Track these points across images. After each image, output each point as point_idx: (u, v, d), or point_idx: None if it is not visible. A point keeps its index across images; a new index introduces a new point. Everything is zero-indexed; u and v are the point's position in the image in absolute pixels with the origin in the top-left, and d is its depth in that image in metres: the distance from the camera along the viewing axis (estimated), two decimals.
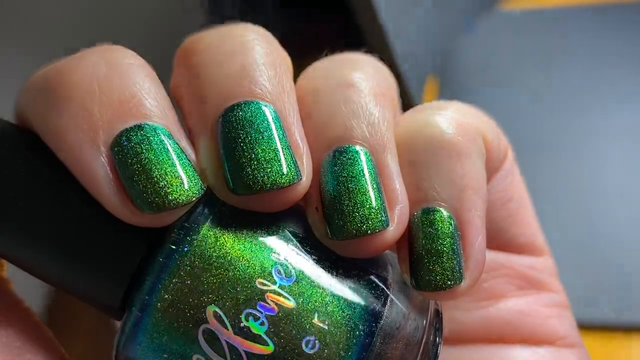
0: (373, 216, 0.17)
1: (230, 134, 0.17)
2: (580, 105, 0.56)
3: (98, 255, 0.17)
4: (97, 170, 0.16)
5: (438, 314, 0.19)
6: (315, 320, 0.17)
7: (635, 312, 0.44)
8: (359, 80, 0.19)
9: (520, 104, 0.57)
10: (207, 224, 0.17)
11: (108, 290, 0.17)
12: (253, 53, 0.18)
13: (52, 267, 0.17)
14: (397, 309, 0.18)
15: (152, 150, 0.16)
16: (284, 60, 0.19)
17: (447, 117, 0.19)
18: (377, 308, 0.17)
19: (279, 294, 0.17)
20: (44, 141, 0.17)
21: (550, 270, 0.23)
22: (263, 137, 0.17)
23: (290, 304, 0.17)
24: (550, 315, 0.22)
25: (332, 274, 0.17)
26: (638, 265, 0.46)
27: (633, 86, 0.55)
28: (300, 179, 0.17)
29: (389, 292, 0.18)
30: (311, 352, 0.16)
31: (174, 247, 0.17)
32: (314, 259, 0.17)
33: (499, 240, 0.22)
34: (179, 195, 0.16)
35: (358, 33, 0.54)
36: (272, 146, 0.17)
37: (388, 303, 0.18)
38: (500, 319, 0.22)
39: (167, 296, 0.16)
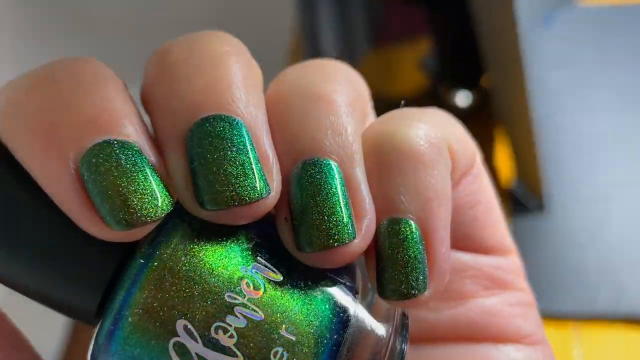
0: (340, 229, 0.18)
1: (198, 149, 0.17)
2: None
3: (71, 266, 0.17)
4: (65, 187, 0.16)
5: (404, 318, 0.19)
6: (283, 332, 0.17)
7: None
8: (329, 92, 0.19)
9: (600, 100, 0.56)
10: (176, 238, 0.17)
11: (82, 301, 0.18)
12: (222, 67, 0.18)
13: (26, 278, 0.18)
14: (363, 317, 0.18)
15: (120, 167, 0.17)
16: (254, 72, 0.19)
17: (414, 128, 0.19)
18: (344, 317, 0.18)
19: (247, 307, 0.17)
20: (16, 156, 0.17)
21: (517, 270, 0.24)
22: (232, 152, 0.17)
23: (258, 316, 0.17)
24: (516, 314, 0.23)
25: (300, 284, 0.18)
26: None
27: None
28: (270, 193, 0.17)
29: (356, 301, 0.18)
30: None
31: (143, 261, 0.17)
32: (281, 271, 0.18)
33: (466, 242, 0.23)
34: (148, 212, 0.17)
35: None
36: (241, 161, 0.17)
37: (355, 312, 0.18)
38: (468, 318, 0.23)
39: (137, 310, 0.17)
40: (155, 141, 0.18)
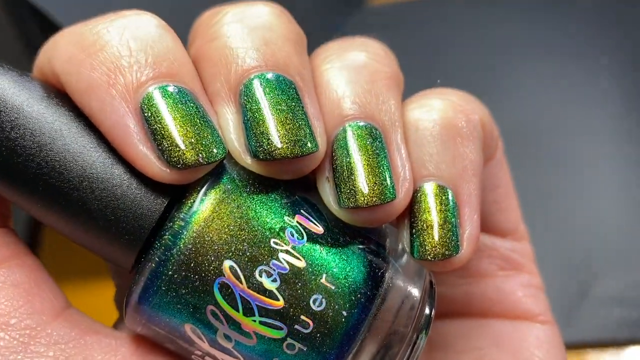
0: (383, 188, 0.18)
1: (252, 103, 0.18)
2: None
3: (119, 208, 0.18)
4: (126, 125, 0.17)
5: (432, 285, 0.20)
6: (323, 281, 0.18)
7: None
8: (372, 61, 0.20)
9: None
10: (225, 185, 0.18)
11: (126, 243, 0.18)
12: (276, 28, 0.19)
13: (71, 218, 0.18)
14: (397, 276, 0.19)
15: (180, 110, 0.17)
16: (302, 38, 0.20)
17: (452, 102, 0.20)
18: (379, 273, 0.19)
19: (291, 254, 0.18)
20: (72, 95, 0.18)
21: (529, 255, 0.25)
22: (284, 107, 0.18)
23: (301, 263, 0.18)
24: (528, 294, 0.24)
25: (339, 239, 0.19)
26: None
27: (519, 78, 0.53)
28: (318, 148, 0.18)
29: (389, 261, 0.19)
30: (318, 309, 0.18)
31: (193, 205, 0.18)
32: (323, 225, 0.19)
33: (485, 223, 0.24)
34: (205, 155, 0.17)
35: None
36: (293, 117, 0.18)
37: (389, 270, 0.19)
38: (483, 295, 0.24)
39: (185, 251, 0.17)
40: (207, 95, 0.19)
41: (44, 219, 0.19)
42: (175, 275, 0.17)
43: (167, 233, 0.18)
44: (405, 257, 0.20)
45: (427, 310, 0.19)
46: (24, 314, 0.18)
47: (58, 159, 0.18)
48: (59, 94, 0.19)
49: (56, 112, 0.18)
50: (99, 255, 0.19)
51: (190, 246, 0.17)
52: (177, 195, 0.18)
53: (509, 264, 0.24)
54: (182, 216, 0.18)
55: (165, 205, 0.18)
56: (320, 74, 0.20)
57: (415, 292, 0.19)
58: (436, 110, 0.20)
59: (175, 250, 0.17)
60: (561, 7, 0.57)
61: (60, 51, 0.18)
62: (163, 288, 0.18)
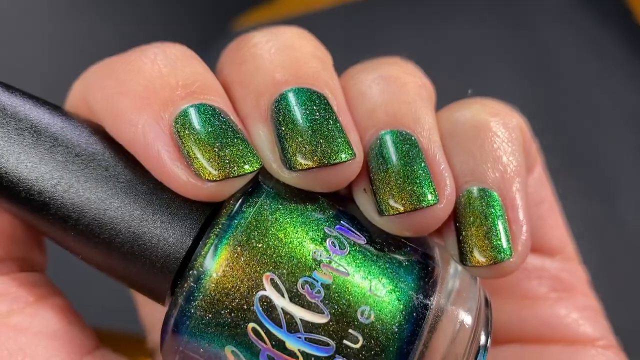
0: (424, 191, 0.18)
1: (286, 117, 0.18)
2: None
3: (152, 235, 0.17)
4: (159, 145, 0.17)
5: (488, 311, 0.19)
6: (370, 291, 0.17)
7: None
8: (402, 74, 0.20)
9: None
10: (261, 198, 0.17)
11: (160, 270, 0.17)
12: (303, 48, 0.19)
13: (106, 249, 0.18)
14: (447, 287, 0.18)
15: (214, 125, 0.17)
16: (328, 56, 0.20)
17: (488, 107, 0.20)
18: (429, 286, 0.17)
19: (334, 265, 0.17)
20: (104, 122, 0.18)
21: (582, 276, 0.24)
22: (318, 118, 0.18)
23: (344, 274, 0.17)
24: (586, 317, 0.22)
25: (384, 249, 0.18)
26: None
27: None
28: (355, 156, 0.18)
29: (439, 272, 0.18)
30: (366, 322, 0.16)
31: (229, 219, 0.17)
32: (365, 236, 0.18)
33: (532, 241, 0.23)
34: (238, 167, 0.17)
35: None
36: (327, 126, 0.18)
37: (439, 280, 0.18)
38: (537, 319, 0.22)
39: (222, 265, 0.17)
40: (238, 116, 0.19)
41: (75, 250, 0.18)
42: (213, 294, 0.16)
43: (202, 251, 0.17)
44: (455, 269, 0.19)
45: (482, 337, 0.18)
46: (54, 355, 0.18)
47: (91, 188, 0.17)
48: (92, 124, 0.19)
49: (89, 141, 0.18)
50: (132, 285, 0.19)
51: (227, 262, 0.17)
52: (212, 214, 0.18)
53: (561, 285, 0.23)
54: (217, 231, 0.17)
55: (200, 225, 0.17)
56: (351, 87, 0.20)
57: (469, 316, 0.18)
58: (473, 114, 0.20)
59: (210, 267, 0.17)
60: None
61: (93, 82, 0.19)
62: (200, 310, 0.17)
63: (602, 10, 0.59)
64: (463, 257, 0.18)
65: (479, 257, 0.18)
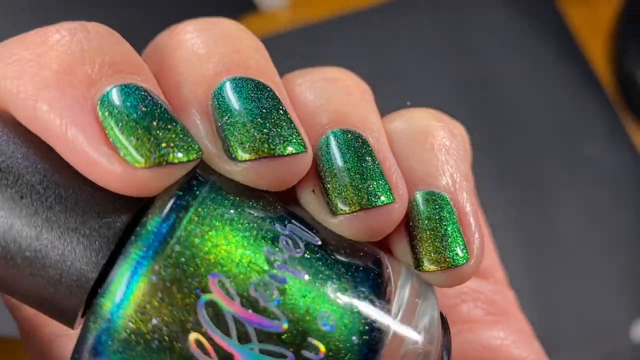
0: (379, 189, 0.17)
1: (231, 105, 0.16)
2: None
3: (64, 243, 0.14)
4: (81, 128, 0.14)
5: (447, 334, 0.17)
6: (330, 294, 0.15)
7: None
8: (343, 76, 0.19)
9: None
10: (204, 192, 0.15)
11: (76, 280, 0.14)
12: (244, 40, 0.18)
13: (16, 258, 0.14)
14: (401, 294, 0.16)
15: (148, 106, 0.15)
16: (264, 50, 0.19)
17: (433, 115, 0.20)
18: (386, 290, 0.16)
19: (289, 265, 0.15)
20: (12, 109, 0.15)
21: (512, 300, 0.24)
22: (267, 107, 0.16)
23: (301, 275, 0.15)
24: (521, 340, 0.22)
25: (340, 252, 0.16)
26: None
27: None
28: (307, 149, 0.16)
29: (392, 276, 0.17)
30: (327, 329, 0.15)
31: (163, 218, 0.15)
32: (319, 236, 0.16)
33: None
34: (179, 152, 0.15)
35: None
36: (277, 115, 0.16)
37: (393, 286, 0.16)
38: (477, 343, 0.22)
39: (158, 266, 0.14)
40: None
41: None
42: (148, 299, 0.14)
43: (132, 249, 0.14)
44: (405, 276, 0.17)
45: (445, 337, 0.17)
46: None
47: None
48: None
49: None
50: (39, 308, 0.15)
51: (165, 262, 0.14)
52: (143, 210, 0.15)
53: (495, 308, 0.23)
54: (150, 230, 0.14)
55: (125, 225, 0.15)
56: (294, 88, 0.19)
57: (434, 310, 0.17)
58: (419, 120, 0.19)
59: (143, 269, 0.14)
60: None
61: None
62: (132, 316, 0.14)
63: (540, 21, 0.60)
64: (417, 263, 0.17)
65: (434, 261, 0.17)
